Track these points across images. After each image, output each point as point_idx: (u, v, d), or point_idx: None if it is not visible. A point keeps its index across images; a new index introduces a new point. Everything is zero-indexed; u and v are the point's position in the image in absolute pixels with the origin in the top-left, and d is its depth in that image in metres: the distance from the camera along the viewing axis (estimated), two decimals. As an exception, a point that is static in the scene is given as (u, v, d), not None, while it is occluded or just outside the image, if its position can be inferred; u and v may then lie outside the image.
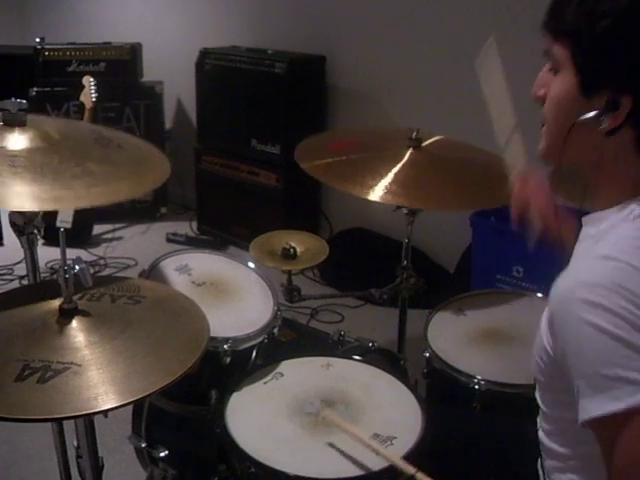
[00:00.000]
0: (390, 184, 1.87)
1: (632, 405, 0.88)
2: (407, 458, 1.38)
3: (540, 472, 1.22)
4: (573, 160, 1.06)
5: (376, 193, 1.84)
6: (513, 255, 2.86)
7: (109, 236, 4.36)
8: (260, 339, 1.81)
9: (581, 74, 0.98)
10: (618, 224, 1.00)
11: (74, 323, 1.25)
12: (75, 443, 1.44)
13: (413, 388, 1.62)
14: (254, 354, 1.81)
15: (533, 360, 1.10)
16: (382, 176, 1.88)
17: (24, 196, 1.32)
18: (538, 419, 1.18)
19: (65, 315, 1.26)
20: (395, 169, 1.92)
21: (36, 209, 1.31)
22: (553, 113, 1.05)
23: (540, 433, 1.16)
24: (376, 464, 1.36)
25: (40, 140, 1.45)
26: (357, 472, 1.35)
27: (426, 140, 2.04)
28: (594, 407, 0.91)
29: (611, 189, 1.04)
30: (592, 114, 0.97)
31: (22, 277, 3.63)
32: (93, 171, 1.43)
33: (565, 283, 0.97)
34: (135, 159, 1.58)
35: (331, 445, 1.43)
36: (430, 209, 2.05)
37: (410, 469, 1.26)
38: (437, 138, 2.09)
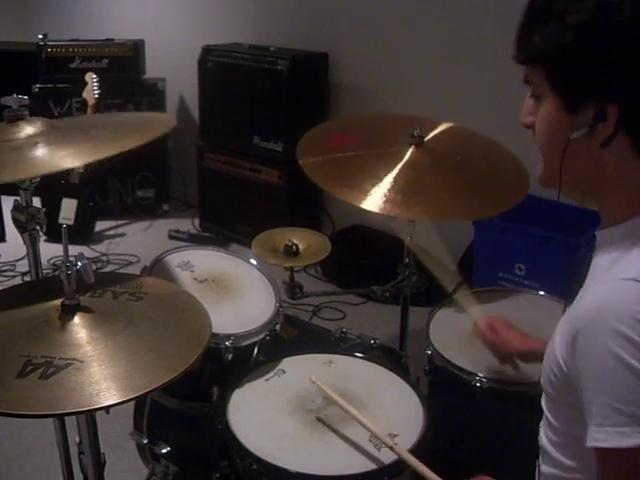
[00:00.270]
0: (389, 190, 1.81)
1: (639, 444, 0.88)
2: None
3: (537, 476, 1.22)
4: (575, 179, 1.05)
5: (374, 202, 1.78)
6: (515, 253, 2.86)
7: (111, 233, 4.37)
8: (262, 336, 1.81)
9: (561, 95, 0.99)
10: (638, 241, 0.98)
11: (76, 319, 1.25)
12: (77, 439, 1.45)
13: (415, 385, 1.62)
14: (256, 351, 1.82)
15: (543, 371, 1.09)
16: (381, 180, 1.84)
17: (58, 159, 1.40)
18: (542, 425, 1.17)
19: (67, 311, 1.26)
20: (395, 171, 1.87)
21: (76, 165, 1.42)
22: (545, 138, 1.05)
23: (544, 441, 1.16)
24: (377, 461, 1.37)
25: (44, 126, 1.50)
26: (359, 469, 1.35)
27: (431, 131, 2.01)
28: (601, 437, 0.91)
29: (618, 199, 1.03)
30: (583, 130, 0.97)
31: (24, 273, 3.63)
32: (98, 135, 1.51)
33: (593, 305, 0.95)
34: (138, 118, 1.66)
35: (332, 442, 1.43)
36: (429, 218, 2.00)
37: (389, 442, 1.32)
38: (444, 127, 2.07)
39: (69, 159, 1.39)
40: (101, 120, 1.65)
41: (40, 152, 1.41)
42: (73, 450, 1.64)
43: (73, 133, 1.50)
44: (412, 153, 1.94)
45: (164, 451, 1.88)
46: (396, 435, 1.43)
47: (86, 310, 1.27)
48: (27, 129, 1.48)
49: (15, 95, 1.51)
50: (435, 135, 2.03)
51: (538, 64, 1.00)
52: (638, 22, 0.91)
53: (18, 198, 1.53)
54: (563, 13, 0.94)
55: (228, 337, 1.73)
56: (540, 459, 1.19)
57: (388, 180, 1.84)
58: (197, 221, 4.47)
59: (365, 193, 1.81)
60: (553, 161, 1.04)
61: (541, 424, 1.18)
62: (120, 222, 4.49)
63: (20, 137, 1.46)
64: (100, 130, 1.52)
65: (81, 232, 4.06)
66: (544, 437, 1.16)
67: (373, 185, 1.83)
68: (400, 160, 1.91)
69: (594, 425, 0.92)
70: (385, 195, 1.80)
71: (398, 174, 1.87)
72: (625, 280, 0.93)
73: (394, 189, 1.82)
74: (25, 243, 1.57)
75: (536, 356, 1.36)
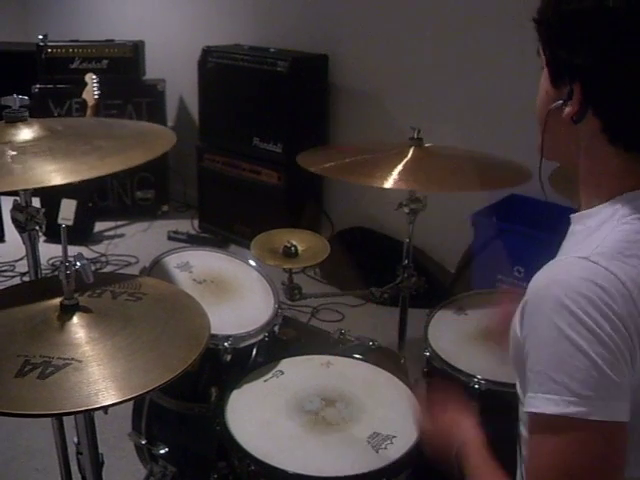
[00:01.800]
0: (399, 174, 1.90)
1: (564, 414, 0.89)
2: (407, 457, 1.38)
3: (518, 461, 1.22)
4: (558, 152, 1.09)
5: (388, 182, 1.88)
6: (514, 255, 2.86)
7: (111, 233, 4.37)
8: (260, 337, 1.81)
9: (548, 64, 1.02)
10: (603, 224, 0.99)
11: (75, 319, 1.25)
12: (75, 439, 1.44)
13: (413, 387, 1.62)
14: (254, 352, 1.82)
15: (510, 351, 1.11)
16: (390, 169, 1.92)
17: (42, 174, 1.36)
18: (520, 411, 1.18)
19: (66, 311, 1.26)
20: (401, 164, 1.95)
21: (57, 183, 1.34)
22: (538, 106, 1.08)
23: (520, 425, 1.16)
24: (375, 462, 1.37)
25: (44, 130, 1.49)
26: (356, 470, 1.35)
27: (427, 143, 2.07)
28: (533, 403, 0.93)
29: (595, 182, 1.04)
30: (558, 103, 1.00)
31: (23, 274, 3.63)
32: (102, 146, 1.47)
33: (544, 277, 0.97)
34: (140, 132, 1.64)
35: (330, 443, 1.43)
36: (441, 192, 2.12)
37: None
38: (433, 144, 2.11)
39: (72, 173, 1.38)
40: (102, 128, 1.62)
41: (40, 162, 1.39)
42: (71, 450, 1.64)
43: (76, 143, 1.48)
44: (414, 151, 1.98)
45: (162, 452, 1.88)
46: (394, 436, 1.43)
47: (85, 310, 1.27)
48: (27, 133, 1.47)
49: (15, 95, 1.51)
50: (432, 145, 2.08)
51: (540, 28, 1.02)
52: (609, 9, 0.91)
53: (17, 198, 1.53)
54: None
55: (227, 338, 1.73)
56: (519, 446, 1.19)
57: (396, 169, 1.92)
58: (196, 222, 4.47)
59: (379, 178, 1.90)
60: (541, 128, 1.07)
61: (519, 411, 1.18)
62: (119, 223, 4.49)
63: (19, 141, 1.45)
64: (103, 141, 1.51)
65: (80, 233, 4.06)
66: (520, 422, 1.16)
67: (384, 172, 1.92)
68: (404, 157, 1.98)
69: (530, 392, 0.94)
70: (396, 177, 1.90)
71: (405, 165, 1.95)
72: (578, 258, 0.95)
73: (403, 173, 1.91)
74: (24, 243, 1.57)
75: None
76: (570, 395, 0.89)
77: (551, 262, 1.00)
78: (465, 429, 1.27)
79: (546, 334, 0.92)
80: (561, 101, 1.00)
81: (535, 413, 0.93)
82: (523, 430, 1.14)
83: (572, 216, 1.09)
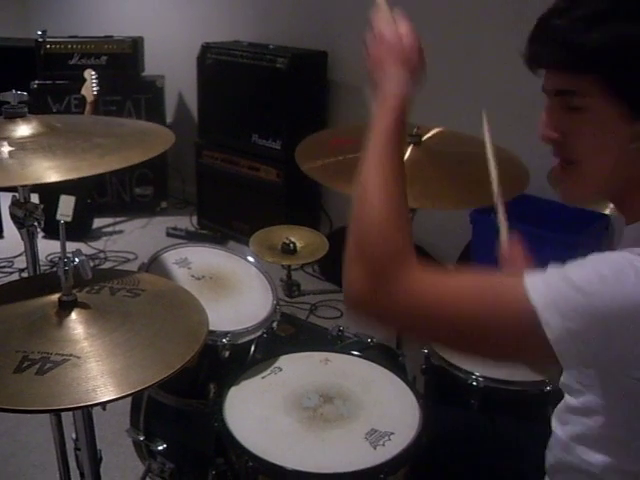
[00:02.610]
0: None
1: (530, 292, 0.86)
2: (405, 453, 1.38)
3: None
4: (611, 188, 1.00)
5: None
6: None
7: (109, 230, 4.37)
8: (259, 333, 1.81)
9: (626, 101, 0.89)
10: None
11: (73, 315, 1.25)
12: (73, 435, 1.44)
13: (411, 384, 1.62)
14: (253, 348, 1.82)
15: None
16: None
17: (42, 171, 1.35)
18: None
19: (64, 307, 1.26)
20: None
21: (57, 179, 1.33)
22: (591, 153, 0.95)
23: (554, 421, 1.13)
24: (373, 459, 1.37)
25: (43, 127, 1.49)
26: (354, 466, 1.35)
27: (427, 133, 2.03)
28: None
29: None
30: None
31: (22, 270, 3.63)
32: (101, 144, 1.47)
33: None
34: (139, 130, 1.63)
35: (328, 440, 1.43)
36: (427, 207, 2.03)
37: None
38: (437, 130, 2.08)
39: (71, 171, 1.36)
40: (101, 126, 1.61)
41: (39, 159, 1.38)
42: (69, 446, 1.64)
43: (75, 140, 1.47)
44: (411, 151, 1.95)
45: (160, 448, 1.88)
46: (392, 433, 1.43)
47: (83, 306, 1.27)
48: (25, 129, 1.47)
49: (14, 91, 1.51)
50: (431, 135, 2.05)
51: (587, 71, 0.90)
52: None
53: (16, 194, 1.53)
54: (629, 16, 0.87)
55: (225, 334, 1.73)
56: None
57: None
58: (195, 219, 4.47)
59: None
60: (599, 176, 0.97)
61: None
62: (118, 219, 4.49)
63: (17, 137, 1.44)
64: (102, 139, 1.50)
65: (79, 229, 4.06)
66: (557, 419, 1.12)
67: None
68: None
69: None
70: None
71: None
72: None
73: None
74: (23, 239, 1.56)
75: None
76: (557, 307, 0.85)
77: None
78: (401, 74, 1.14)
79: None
80: None
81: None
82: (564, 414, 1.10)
83: (626, 227, 1.01)
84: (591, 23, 0.88)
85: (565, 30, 0.90)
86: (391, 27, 1.20)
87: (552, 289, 0.86)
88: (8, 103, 1.50)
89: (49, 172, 1.34)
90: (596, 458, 1.01)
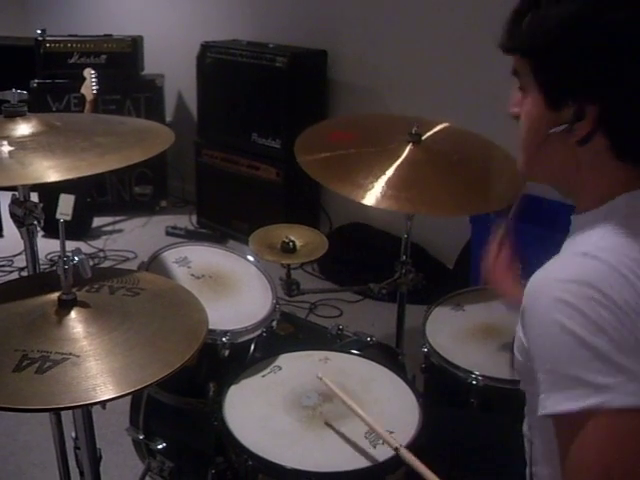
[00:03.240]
0: (386, 186, 1.82)
1: (585, 407, 0.87)
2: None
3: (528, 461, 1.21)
4: (548, 173, 1.07)
5: (372, 197, 1.80)
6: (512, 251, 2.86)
7: (109, 229, 4.37)
8: (258, 332, 1.81)
9: (544, 90, 0.98)
10: (601, 221, 0.98)
11: (73, 314, 1.25)
12: (73, 434, 1.44)
13: (411, 383, 1.62)
14: (252, 347, 1.82)
15: (515, 355, 1.10)
16: (378, 177, 1.84)
17: (42, 170, 1.34)
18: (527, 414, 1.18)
19: (64, 306, 1.26)
20: (393, 167, 1.88)
21: (57, 179, 1.33)
22: (526, 130, 1.05)
23: (525, 427, 1.16)
24: (373, 458, 1.37)
25: (43, 126, 1.48)
26: (354, 466, 1.35)
27: (428, 131, 2.02)
28: (550, 404, 0.91)
29: (591, 192, 1.03)
30: (561, 127, 0.97)
31: (22, 269, 3.63)
32: (101, 143, 1.47)
33: (540, 277, 0.96)
34: (138, 129, 1.63)
35: (328, 438, 1.43)
36: (425, 214, 2.01)
37: (393, 442, 1.30)
38: (441, 127, 2.07)
39: (71, 170, 1.36)
40: (101, 125, 1.61)
41: (39, 158, 1.38)
42: (69, 445, 1.64)
43: (75, 139, 1.47)
44: (410, 150, 1.94)
45: (160, 447, 1.88)
46: (392, 432, 1.43)
47: (83, 305, 1.27)
48: (25, 128, 1.47)
49: (14, 90, 1.50)
50: (432, 134, 2.04)
51: (524, 55, 0.99)
52: (631, 23, 0.90)
53: (16, 193, 1.53)
54: (550, 6, 0.94)
55: (225, 333, 1.73)
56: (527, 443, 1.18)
57: (386, 176, 1.85)
58: (194, 217, 4.47)
59: (363, 188, 1.82)
60: (530, 154, 1.06)
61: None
62: (117, 218, 4.49)
63: (17, 136, 1.44)
64: (102, 138, 1.50)
65: (78, 228, 4.06)
66: (526, 424, 1.15)
67: (371, 181, 1.83)
68: (398, 157, 1.92)
69: (542, 393, 0.92)
70: (383, 190, 1.81)
71: (396, 171, 1.88)
72: (573, 255, 0.95)
73: (392, 185, 1.83)
74: (22, 238, 1.56)
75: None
76: (586, 387, 0.87)
77: (547, 263, 0.99)
78: None
79: (550, 332, 0.91)
80: (564, 125, 0.97)
81: (555, 414, 0.91)
82: (528, 431, 1.13)
83: (573, 217, 1.08)
84: (525, 11, 0.97)
85: (510, 18, 1.00)
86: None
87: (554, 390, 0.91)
88: (8, 102, 1.50)
89: (49, 172, 1.34)
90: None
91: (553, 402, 0.91)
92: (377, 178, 1.84)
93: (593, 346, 0.87)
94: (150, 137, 1.61)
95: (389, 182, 1.84)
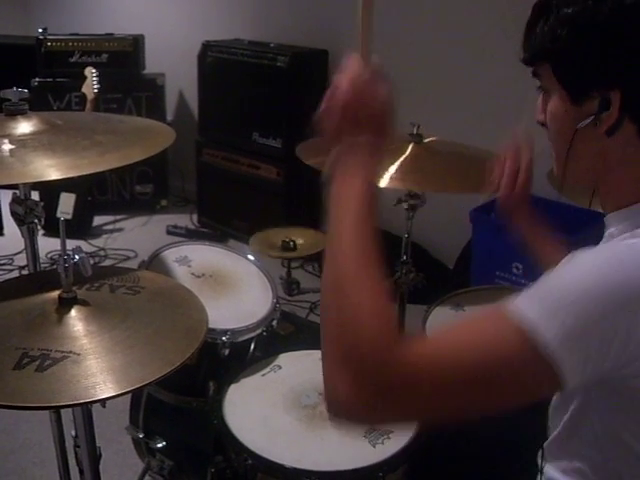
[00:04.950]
0: (394, 173, 1.83)
1: (531, 321, 0.82)
2: (404, 451, 1.39)
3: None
4: (582, 171, 1.05)
5: (383, 181, 1.80)
6: (513, 252, 2.86)
7: (109, 227, 4.37)
8: (259, 331, 1.81)
9: (565, 86, 0.99)
10: None
11: (73, 312, 1.25)
12: (73, 433, 1.45)
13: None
14: (252, 346, 1.82)
15: None
16: (385, 168, 1.84)
17: (42, 168, 1.34)
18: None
19: (64, 304, 1.26)
20: (398, 162, 1.88)
21: (58, 177, 1.32)
22: (555, 131, 1.04)
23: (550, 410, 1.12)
24: (372, 457, 1.37)
25: (44, 125, 1.48)
26: (353, 464, 1.36)
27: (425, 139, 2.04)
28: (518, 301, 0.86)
29: (623, 186, 1.02)
30: (588, 120, 0.97)
31: (22, 267, 3.63)
32: (101, 141, 1.46)
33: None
34: (138, 128, 1.63)
35: (327, 438, 1.43)
36: (434, 191, 2.02)
37: None
38: (432, 139, 2.08)
39: (71, 169, 1.35)
40: (102, 124, 1.60)
41: (40, 156, 1.37)
42: (69, 444, 1.64)
43: (76, 137, 1.46)
44: (412, 148, 1.95)
45: (160, 445, 1.88)
46: (391, 431, 1.44)
47: (83, 303, 1.27)
48: (26, 126, 1.46)
49: (15, 88, 1.51)
50: (431, 140, 2.05)
51: (542, 59, 1.00)
52: (629, 7, 0.91)
53: (17, 191, 1.53)
54: (559, 7, 0.95)
55: (225, 332, 1.74)
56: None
57: (393, 167, 1.86)
58: (195, 217, 4.47)
59: None
60: (563, 156, 1.03)
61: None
62: (118, 217, 4.49)
63: (18, 134, 1.44)
64: (102, 136, 1.49)
65: (79, 226, 4.06)
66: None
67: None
68: (402, 154, 1.93)
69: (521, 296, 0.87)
70: (391, 176, 1.82)
71: (401, 163, 1.89)
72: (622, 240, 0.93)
73: (399, 172, 1.84)
74: (23, 236, 1.57)
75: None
76: (553, 320, 0.82)
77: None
78: (373, 127, 1.03)
79: (584, 268, 0.87)
80: (592, 116, 0.96)
81: (511, 308, 0.85)
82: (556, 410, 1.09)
83: (606, 219, 1.06)
84: (536, 21, 0.99)
85: (525, 33, 1.02)
86: (362, 87, 1.07)
87: (538, 300, 0.85)
88: (9, 100, 1.50)
89: (50, 170, 1.34)
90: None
91: (521, 302, 0.86)
92: (385, 170, 1.84)
93: (599, 313, 0.83)
94: (150, 136, 1.60)
95: (396, 170, 1.85)
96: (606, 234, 1.04)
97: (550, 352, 0.81)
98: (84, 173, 1.34)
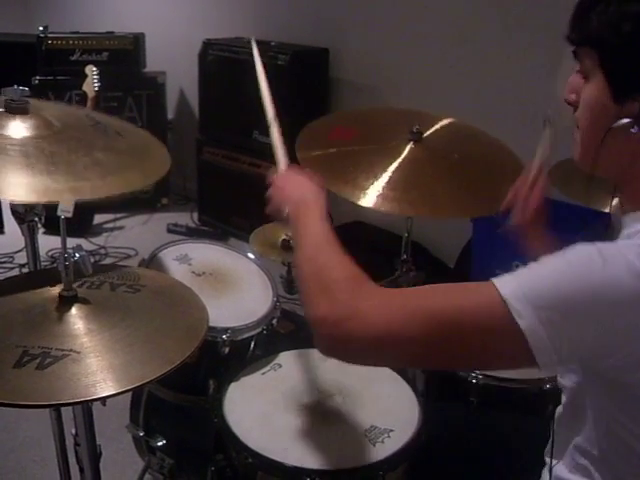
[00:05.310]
0: (386, 186, 1.77)
1: (507, 293, 0.89)
2: (404, 450, 1.39)
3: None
4: (607, 166, 1.04)
5: (370, 198, 1.75)
6: (513, 250, 2.86)
7: (110, 226, 4.37)
8: (259, 330, 1.81)
9: (611, 82, 0.97)
10: None
11: (73, 310, 1.25)
12: (73, 431, 1.44)
13: (411, 381, 1.62)
14: (252, 345, 1.82)
15: None
16: (378, 176, 1.80)
17: (41, 188, 1.33)
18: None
19: (65, 302, 1.26)
20: (393, 166, 1.83)
21: (55, 200, 1.31)
22: (587, 120, 1.03)
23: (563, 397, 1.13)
24: (372, 456, 1.37)
25: (43, 128, 1.46)
26: (353, 463, 1.36)
27: (430, 128, 1.99)
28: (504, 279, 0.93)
29: None
30: (626, 121, 0.96)
31: (22, 265, 3.64)
32: (102, 161, 1.44)
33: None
34: (136, 148, 1.61)
35: (328, 436, 1.43)
36: (425, 215, 1.96)
37: None
38: (444, 123, 2.05)
39: (68, 193, 1.33)
40: (98, 131, 1.57)
41: (32, 172, 1.34)
42: (69, 442, 1.64)
43: (76, 151, 1.43)
44: (411, 149, 1.91)
45: (160, 444, 1.89)
46: (391, 430, 1.44)
47: (83, 301, 1.27)
48: (22, 129, 1.43)
49: (15, 86, 1.50)
50: (434, 131, 2.02)
51: (592, 46, 0.98)
52: None
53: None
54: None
55: (225, 330, 1.74)
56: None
57: (386, 176, 1.80)
58: (196, 215, 4.47)
59: (362, 189, 1.78)
60: (591, 146, 1.02)
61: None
62: (119, 215, 4.49)
63: (12, 137, 1.41)
64: (102, 154, 1.46)
65: (79, 225, 4.06)
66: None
67: (370, 181, 1.79)
68: (398, 156, 1.89)
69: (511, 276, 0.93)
70: (382, 191, 1.76)
71: (396, 170, 1.83)
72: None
73: (391, 185, 1.78)
74: (23, 234, 1.56)
75: None
76: (531, 291, 0.88)
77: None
78: (307, 188, 1.38)
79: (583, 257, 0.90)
80: (628, 120, 0.95)
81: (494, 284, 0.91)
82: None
83: (623, 217, 1.05)
84: (592, 4, 0.96)
85: (576, 10, 0.99)
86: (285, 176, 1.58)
87: (521, 281, 0.90)
88: (10, 98, 1.50)
89: (49, 192, 1.33)
90: None
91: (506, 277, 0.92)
92: (376, 178, 1.79)
93: (591, 299, 0.85)
94: (148, 158, 1.59)
95: (388, 183, 1.78)
96: (624, 234, 1.02)
97: (522, 325, 0.86)
98: (86, 198, 1.32)
